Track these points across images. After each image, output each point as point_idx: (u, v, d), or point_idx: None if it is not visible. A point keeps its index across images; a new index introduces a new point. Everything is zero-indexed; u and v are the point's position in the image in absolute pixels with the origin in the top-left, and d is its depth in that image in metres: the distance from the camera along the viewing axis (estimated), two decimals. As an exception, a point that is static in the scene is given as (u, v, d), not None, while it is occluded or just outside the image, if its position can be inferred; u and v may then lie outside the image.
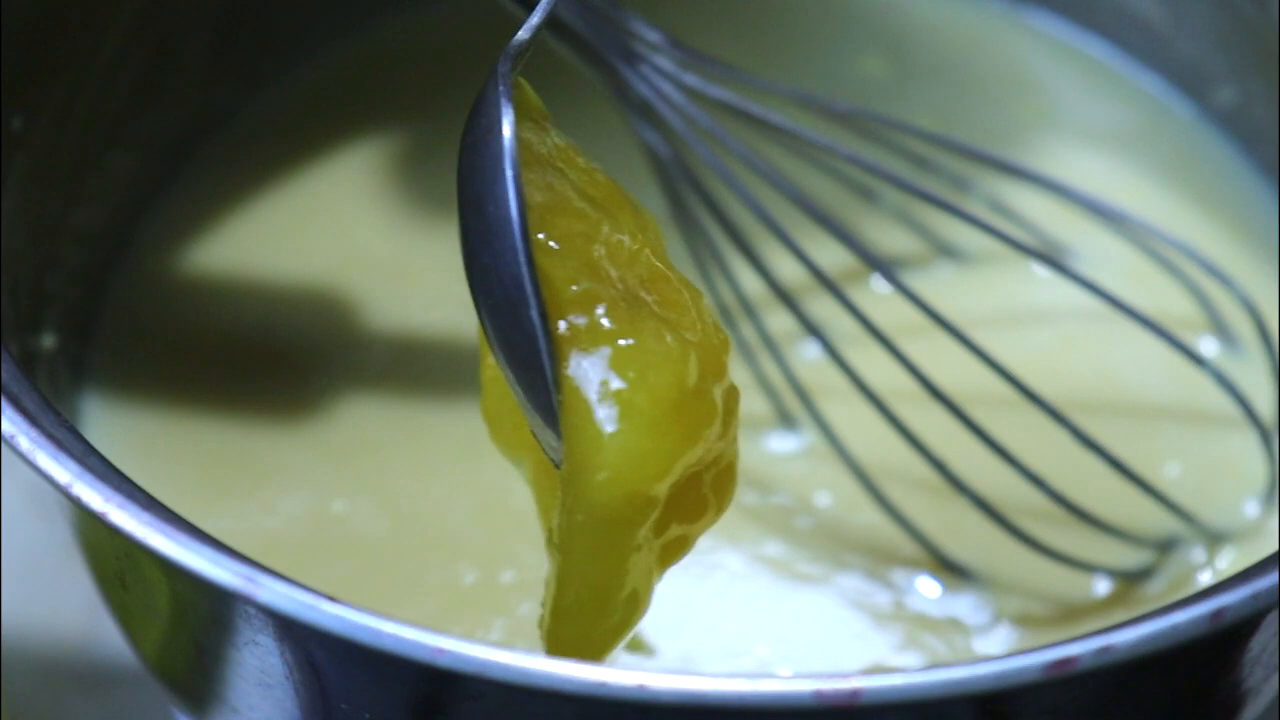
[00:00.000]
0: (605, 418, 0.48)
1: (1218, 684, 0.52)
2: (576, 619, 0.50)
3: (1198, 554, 0.65)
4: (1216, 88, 0.76)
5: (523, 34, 0.52)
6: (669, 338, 0.49)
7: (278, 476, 0.67)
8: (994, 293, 0.72)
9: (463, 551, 0.65)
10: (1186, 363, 0.65)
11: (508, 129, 0.49)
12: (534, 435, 0.51)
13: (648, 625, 0.62)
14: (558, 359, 0.48)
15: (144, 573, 0.54)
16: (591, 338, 0.49)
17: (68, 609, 0.71)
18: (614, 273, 0.50)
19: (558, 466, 0.49)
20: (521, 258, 0.48)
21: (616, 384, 0.49)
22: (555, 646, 0.50)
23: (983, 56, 0.80)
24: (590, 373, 0.48)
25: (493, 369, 0.54)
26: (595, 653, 0.51)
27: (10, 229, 0.64)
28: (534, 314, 0.48)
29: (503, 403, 0.54)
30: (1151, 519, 0.65)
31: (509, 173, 0.48)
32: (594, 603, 0.50)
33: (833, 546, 0.65)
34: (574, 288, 0.49)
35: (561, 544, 0.50)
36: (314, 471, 0.67)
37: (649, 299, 0.50)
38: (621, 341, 0.49)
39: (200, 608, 0.53)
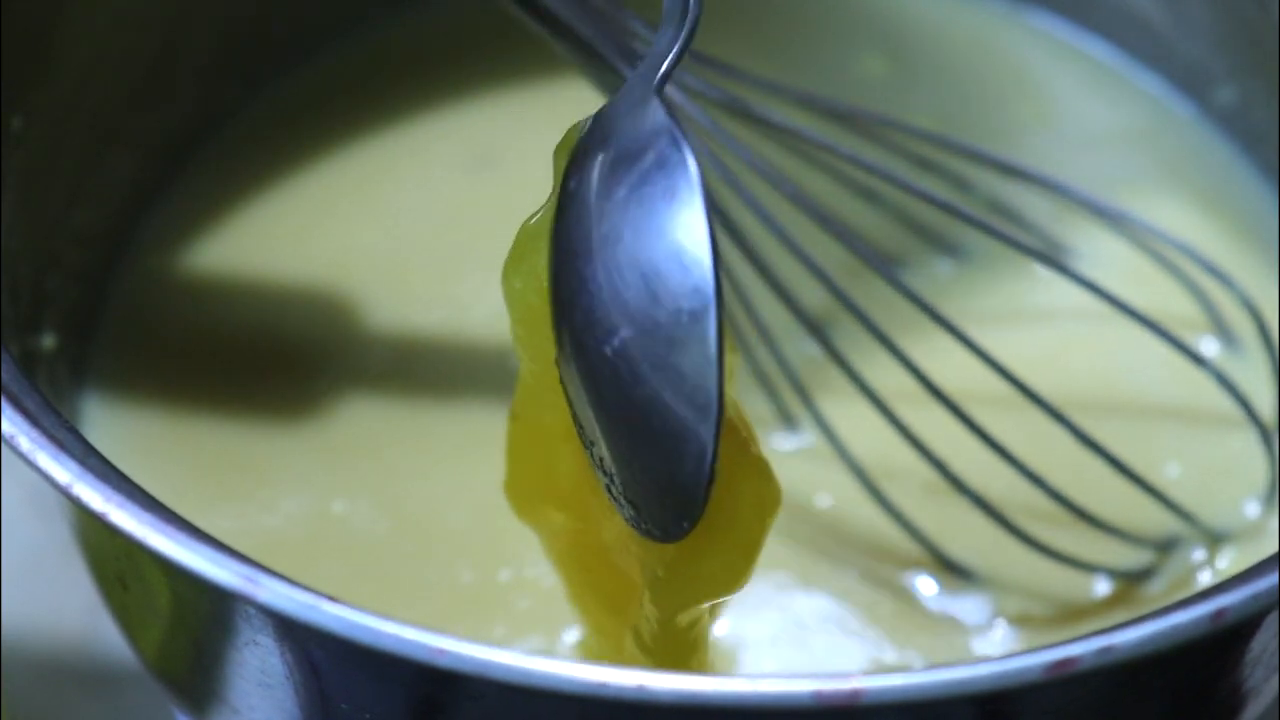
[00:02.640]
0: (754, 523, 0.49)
1: (1218, 684, 0.52)
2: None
3: (1198, 554, 0.65)
4: (1217, 88, 0.76)
5: (671, 55, 0.49)
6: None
7: (278, 477, 0.67)
8: (994, 293, 0.72)
9: (463, 551, 0.65)
10: (1187, 363, 0.65)
11: (694, 168, 0.46)
12: (610, 498, 0.49)
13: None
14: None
15: (144, 573, 0.54)
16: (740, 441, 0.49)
17: (68, 609, 0.71)
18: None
19: (667, 535, 0.48)
20: (715, 324, 0.45)
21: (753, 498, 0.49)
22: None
23: (983, 56, 0.80)
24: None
25: (532, 419, 0.53)
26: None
27: (10, 229, 0.64)
28: (716, 377, 0.45)
29: (535, 461, 0.54)
30: (1152, 519, 0.65)
31: (707, 227, 0.45)
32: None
33: (832, 546, 0.65)
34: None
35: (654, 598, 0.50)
36: (314, 471, 0.67)
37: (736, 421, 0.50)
38: (753, 451, 0.49)
39: (200, 608, 0.53)
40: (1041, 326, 0.71)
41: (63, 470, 0.49)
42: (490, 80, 0.78)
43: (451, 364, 0.71)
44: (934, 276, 0.72)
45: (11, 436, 0.50)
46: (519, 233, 0.51)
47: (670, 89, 0.61)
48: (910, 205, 0.71)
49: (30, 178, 0.66)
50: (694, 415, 0.45)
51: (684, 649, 0.53)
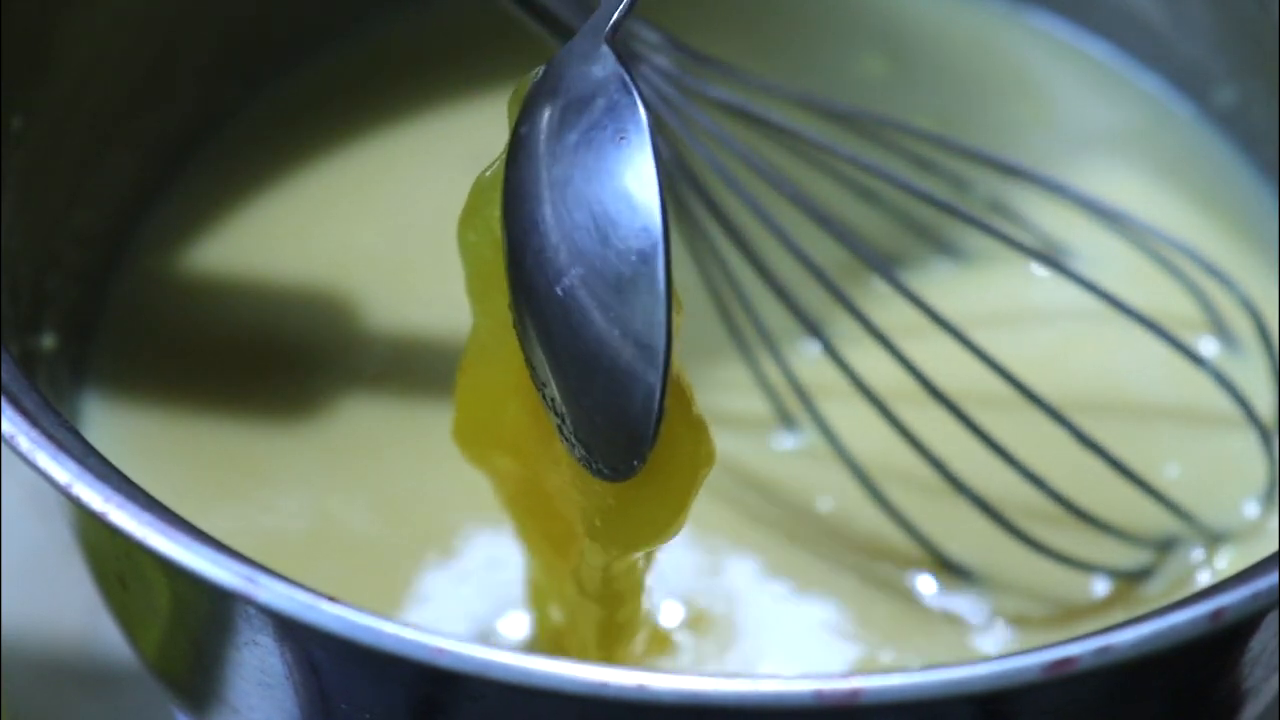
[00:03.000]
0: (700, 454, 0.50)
1: (1217, 684, 0.52)
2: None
3: (1197, 554, 0.65)
4: (1216, 88, 0.76)
5: (623, 4, 0.50)
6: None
7: (277, 476, 0.67)
8: (994, 293, 0.72)
9: (463, 550, 0.65)
10: (1186, 363, 0.65)
11: (643, 113, 0.47)
12: (565, 443, 0.50)
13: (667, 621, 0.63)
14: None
15: (144, 573, 0.54)
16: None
17: (68, 609, 0.71)
18: None
19: (616, 473, 0.49)
20: (663, 263, 0.46)
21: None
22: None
23: (983, 56, 0.80)
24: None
25: (478, 363, 0.54)
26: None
27: (10, 229, 0.64)
28: (665, 315, 0.46)
29: (484, 411, 0.55)
30: (1151, 519, 0.65)
31: (655, 170, 0.46)
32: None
33: (832, 546, 0.65)
34: None
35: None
36: (314, 471, 0.67)
37: None
38: (693, 411, 0.50)
39: (200, 608, 0.53)
40: (1041, 326, 0.71)
41: (62, 470, 0.49)
42: (490, 80, 0.78)
43: (451, 364, 0.70)
44: (934, 276, 0.72)
45: (11, 436, 0.50)
46: (473, 185, 0.52)
47: (670, 89, 0.61)
48: (910, 205, 0.71)
49: (30, 178, 0.66)
50: (643, 354, 0.46)
51: (619, 595, 0.55)
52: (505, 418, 0.55)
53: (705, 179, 0.63)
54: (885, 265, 0.62)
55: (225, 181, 0.75)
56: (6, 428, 0.50)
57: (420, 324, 0.71)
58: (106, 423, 0.68)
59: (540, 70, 0.50)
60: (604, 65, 0.49)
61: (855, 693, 0.44)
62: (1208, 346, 0.70)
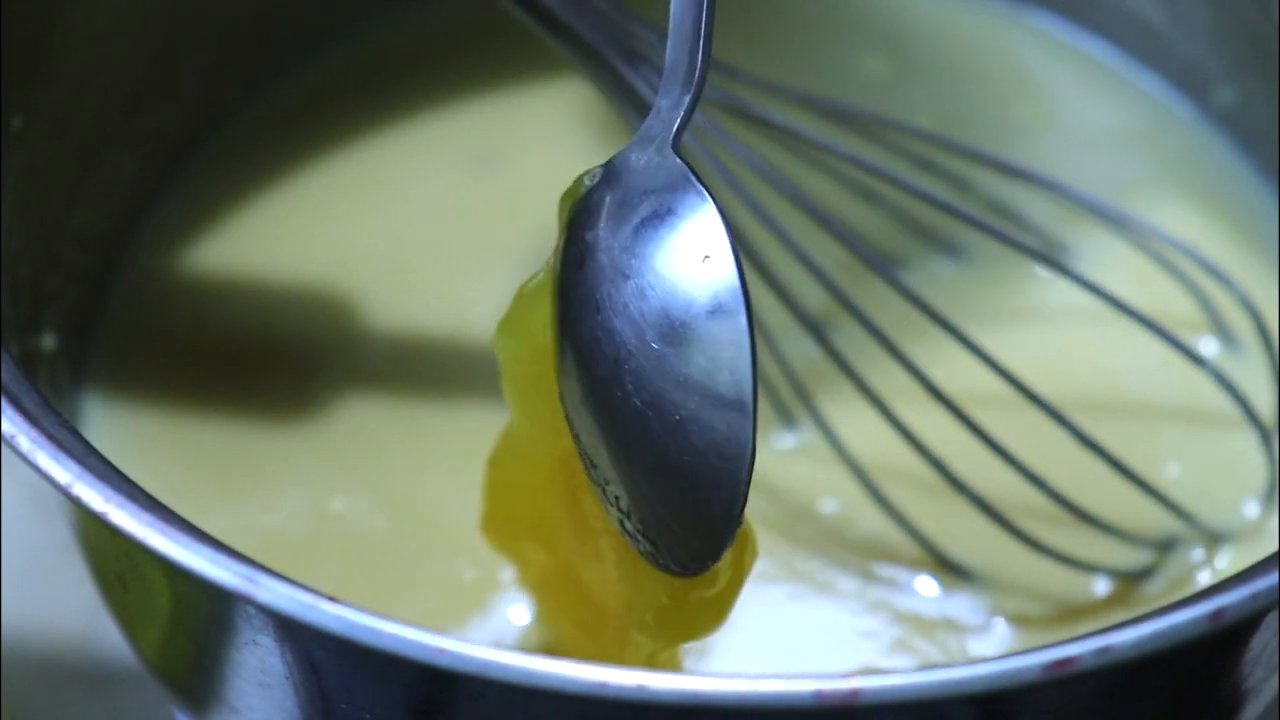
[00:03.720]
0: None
1: (1218, 684, 0.52)
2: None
3: (1197, 554, 0.65)
4: (1216, 88, 0.76)
5: (683, 113, 0.50)
6: None
7: (278, 476, 0.67)
8: (994, 293, 0.72)
9: (463, 549, 0.65)
10: (1186, 363, 0.65)
11: (720, 221, 0.48)
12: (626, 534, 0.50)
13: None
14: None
15: (144, 573, 0.54)
16: None
17: (68, 609, 0.71)
18: None
19: (687, 570, 0.49)
20: (750, 379, 0.46)
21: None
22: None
23: (983, 56, 0.80)
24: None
25: (512, 461, 0.55)
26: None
27: (10, 229, 0.64)
28: (751, 429, 0.46)
29: (515, 507, 0.56)
30: (1151, 519, 0.65)
31: (739, 279, 0.47)
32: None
33: (831, 545, 0.65)
34: None
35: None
36: (314, 471, 0.67)
37: None
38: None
39: (200, 608, 0.53)
40: (1041, 327, 0.71)
41: (62, 470, 0.49)
42: (490, 80, 0.78)
43: (451, 363, 0.71)
44: (934, 276, 0.72)
45: (11, 436, 0.50)
46: (516, 295, 0.52)
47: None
48: (910, 205, 0.71)
49: (30, 178, 0.66)
50: (726, 465, 0.46)
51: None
52: (539, 512, 0.55)
53: (705, 178, 0.63)
54: (885, 265, 0.62)
55: (225, 181, 0.75)
56: (7, 428, 0.50)
57: (420, 324, 0.71)
58: (107, 422, 0.68)
59: (597, 171, 0.50)
60: (670, 169, 0.49)
61: (855, 693, 0.44)
62: (1208, 346, 0.70)
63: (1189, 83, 0.77)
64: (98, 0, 0.69)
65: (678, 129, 0.50)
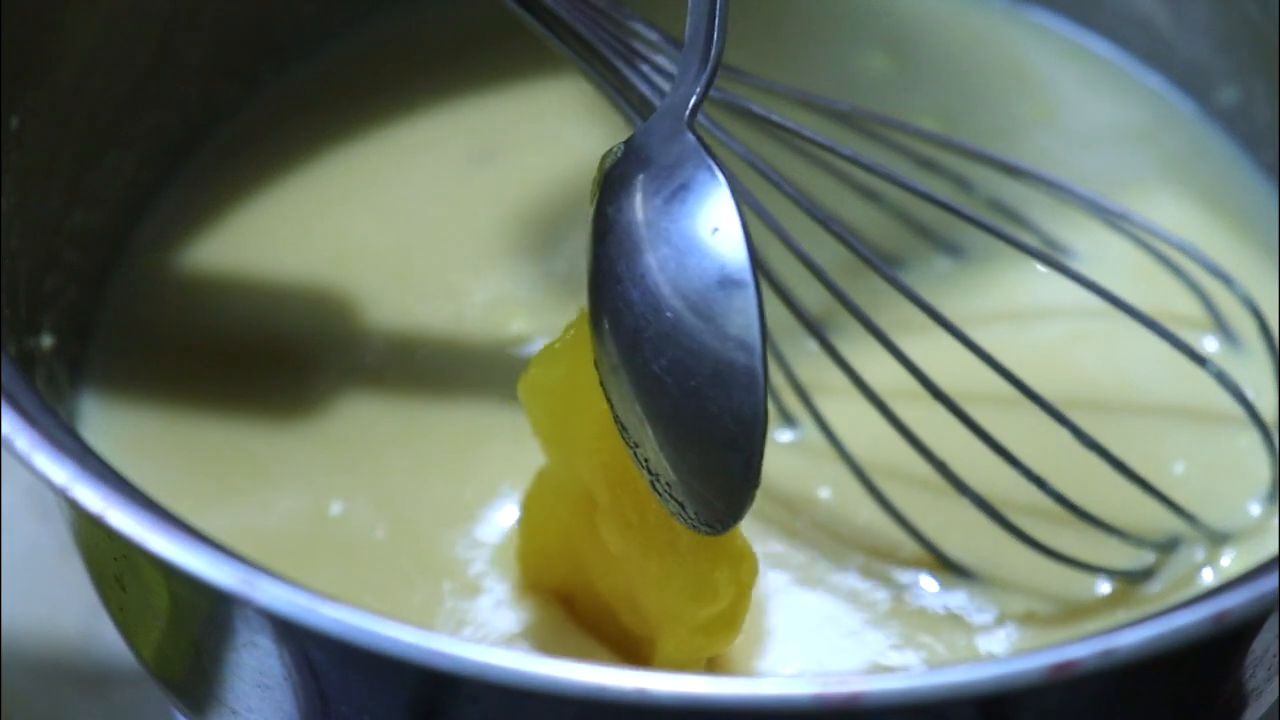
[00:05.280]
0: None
1: (1220, 685, 0.52)
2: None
3: (1200, 554, 0.65)
4: (1218, 87, 0.76)
5: (699, 90, 0.52)
6: None
7: (276, 476, 0.67)
8: (995, 292, 0.72)
9: (463, 550, 0.65)
10: (1188, 362, 0.65)
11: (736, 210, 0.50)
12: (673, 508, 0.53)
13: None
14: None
15: (142, 574, 0.54)
16: None
17: (67, 609, 0.71)
18: None
19: (713, 529, 0.52)
20: (759, 346, 0.48)
21: None
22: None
23: (984, 54, 0.80)
24: None
25: (549, 498, 0.59)
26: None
27: (9, 229, 0.64)
28: (762, 394, 0.49)
29: (550, 544, 0.61)
30: (1153, 519, 0.64)
31: (747, 251, 0.49)
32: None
33: (832, 545, 0.65)
34: None
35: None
36: (312, 471, 0.67)
37: None
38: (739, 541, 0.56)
39: (199, 609, 0.53)
40: (1042, 326, 0.71)
41: (60, 471, 0.49)
42: (489, 76, 0.78)
43: (451, 362, 0.70)
44: (934, 276, 0.72)
45: (9, 437, 0.50)
46: (540, 352, 0.56)
47: (671, 89, 0.61)
48: (910, 205, 0.71)
49: (29, 178, 0.66)
50: (740, 429, 0.49)
51: None
52: (569, 544, 0.60)
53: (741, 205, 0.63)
54: (885, 264, 0.62)
55: (224, 181, 0.75)
56: (5, 428, 0.50)
57: (420, 323, 0.71)
58: (104, 423, 0.68)
59: (620, 149, 0.52)
60: (684, 146, 0.51)
61: (856, 696, 0.44)
62: (1209, 345, 0.70)
63: (1191, 81, 0.77)
64: (96, 1, 0.69)
65: (694, 105, 0.52)
